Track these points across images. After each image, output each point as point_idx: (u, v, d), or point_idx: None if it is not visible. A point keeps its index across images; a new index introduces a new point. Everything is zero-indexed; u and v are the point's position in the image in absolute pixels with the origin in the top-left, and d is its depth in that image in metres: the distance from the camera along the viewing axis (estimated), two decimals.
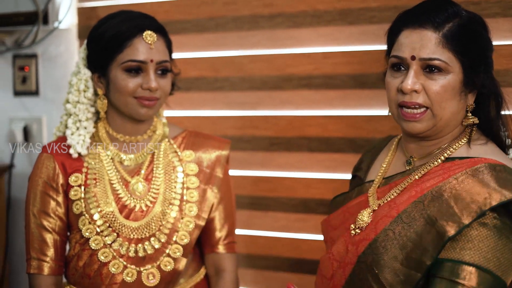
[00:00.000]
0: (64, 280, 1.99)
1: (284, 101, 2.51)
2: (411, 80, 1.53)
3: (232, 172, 2.10)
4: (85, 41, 1.97)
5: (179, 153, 1.98)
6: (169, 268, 1.89)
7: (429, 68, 1.53)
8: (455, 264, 1.44)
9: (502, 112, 1.62)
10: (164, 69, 1.88)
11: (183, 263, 1.92)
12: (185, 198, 1.94)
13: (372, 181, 1.71)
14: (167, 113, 2.43)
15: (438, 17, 1.53)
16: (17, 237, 2.94)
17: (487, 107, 1.57)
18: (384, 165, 1.72)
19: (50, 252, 1.88)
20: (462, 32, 1.52)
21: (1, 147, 2.95)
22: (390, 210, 1.56)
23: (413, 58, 1.53)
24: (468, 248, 1.44)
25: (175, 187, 1.94)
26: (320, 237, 2.46)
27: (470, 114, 1.57)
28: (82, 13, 2.78)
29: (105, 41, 1.86)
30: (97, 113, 1.99)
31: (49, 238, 1.89)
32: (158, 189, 1.92)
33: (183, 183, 1.95)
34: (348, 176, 2.39)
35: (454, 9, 1.55)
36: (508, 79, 2.14)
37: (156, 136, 1.98)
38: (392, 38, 1.61)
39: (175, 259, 1.90)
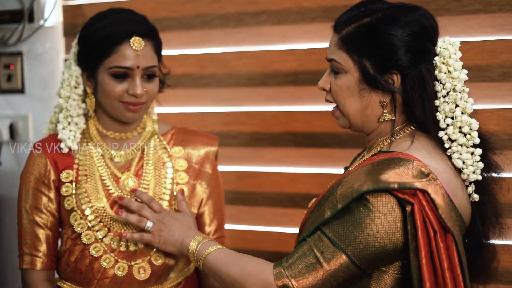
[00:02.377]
0: (56, 275, 2.00)
1: (270, 97, 2.53)
2: (321, 80, 1.66)
3: (219, 168, 2.12)
4: (77, 36, 1.96)
5: (169, 150, 2.00)
6: (159, 262, 1.91)
7: (332, 67, 1.62)
8: (319, 233, 1.51)
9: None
10: (151, 74, 1.88)
11: (173, 257, 1.94)
12: (174, 193, 1.95)
13: None
14: None
15: (342, 20, 1.61)
16: (4, 234, 2.93)
17: (412, 105, 1.57)
18: (359, 158, 1.78)
19: (43, 247, 1.90)
20: (360, 34, 1.56)
21: None
22: (319, 196, 1.65)
23: (327, 59, 1.64)
24: (334, 223, 1.50)
25: (164, 182, 1.96)
26: None
27: (386, 111, 1.59)
28: (68, 10, 2.78)
29: (93, 44, 1.86)
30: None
31: (42, 233, 1.90)
32: (148, 185, 1.94)
33: (172, 179, 1.97)
34: (334, 170, 2.46)
35: (362, 12, 1.58)
36: (490, 74, 2.20)
37: (146, 133, 2.00)
38: None
39: (165, 254, 1.92)
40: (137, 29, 1.85)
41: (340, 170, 2.44)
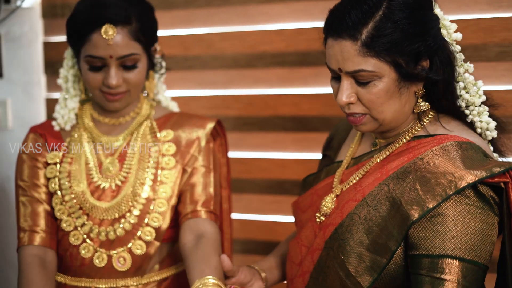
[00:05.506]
0: None
1: (256, 79, 2.46)
2: (344, 94, 1.46)
3: None
4: None
5: (158, 133, 1.92)
6: (139, 252, 1.84)
7: (358, 78, 1.44)
8: (436, 259, 1.38)
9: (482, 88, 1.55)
10: (129, 63, 1.80)
11: (155, 247, 1.86)
12: (158, 179, 1.87)
13: (341, 161, 1.66)
14: None
15: (353, 22, 1.41)
16: None
17: (436, 89, 1.49)
18: (353, 145, 1.67)
19: (42, 222, 1.85)
20: (382, 32, 1.40)
21: None
22: (355, 194, 1.51)
23: (340, 70, 1.46)
24: (448, 239, 1.37)
25: (148, 167, 1.88)
26: None
27: (421, 100, 1.49)
28: None
29: (71, 30, 1.82)
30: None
31: (40, 208, 1.86)
32: (130, 169, 1.87)
33: (157, 163, 1.88)
34: None
35: (368, 6, 1.42)
36: (487, 53, 2.11)
37: (139, 117, 1.93)
38: (324, 42, 1.52)
39: (147, 243, 1.84)
40: (110, 15, 1.76)
41: None
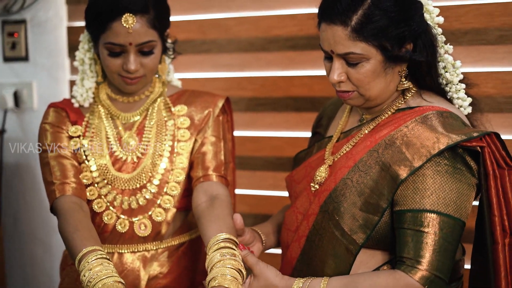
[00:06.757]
0: None
1: (270, 62, 2.54)
2: (336, 73, 1.59)
3: None
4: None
5: (172, 108, 2.03)
6: (159, 219, 1.95)
7: (348, 60, 1.57)
8: (416, 213, 1.52)
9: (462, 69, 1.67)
10: (147, 49, 1.89)
11: (173, 214, 1.98)
12: (175, 150, 1.99)
13: (331, 136, 1.79)
14: None
15: (344, 9, 1.52)
16: (11, 201, 2.98)
17: (419, 68, 1.61)
18: (341, 122, 1.79)
19: (71, 174, 1.91)
20: (370, 19, 1.52)
21: None
22: (347, 161, 1.64)
23: (332, 52, 1.58)
24: (427, 195, 1.52)
25: (165, 139, 1.99)
26: None
27: (404, 80, 1.63)
28: None
29: (91, 17, 1.91)
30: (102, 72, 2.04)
31: (68, 163, 1.93)
32: (148, 142, 1.98)
33: (173, 136, 2.00)
34: None
35: None
36: (488, 37, 2.20)
37: (153, 95, 2.04)
38: (318, 26, 1.64)
39: (166, 210, 1.96)
40: (129, 5, 1.84)
41: None
